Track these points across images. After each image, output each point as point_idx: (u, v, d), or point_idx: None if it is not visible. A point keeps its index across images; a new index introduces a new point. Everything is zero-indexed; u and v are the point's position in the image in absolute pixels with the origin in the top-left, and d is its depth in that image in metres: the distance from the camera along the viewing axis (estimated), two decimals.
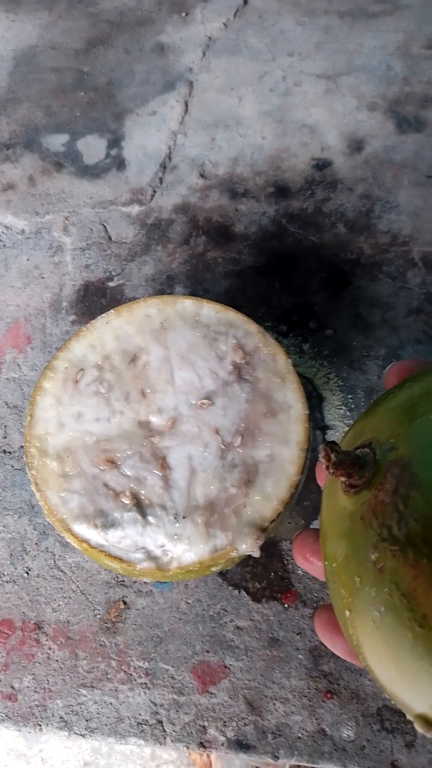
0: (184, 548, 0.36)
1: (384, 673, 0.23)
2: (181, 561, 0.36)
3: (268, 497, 0.37)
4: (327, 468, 0.23)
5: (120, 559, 0.36)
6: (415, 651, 0.21)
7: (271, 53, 0.67)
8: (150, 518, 0.37)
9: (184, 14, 0.70)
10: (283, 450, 0.38)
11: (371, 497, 0.23)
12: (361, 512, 0.24)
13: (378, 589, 0.22)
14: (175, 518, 0.37)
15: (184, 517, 0.37)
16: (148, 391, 0.39)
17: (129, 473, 0.37)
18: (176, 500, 0.37)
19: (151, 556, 0.36)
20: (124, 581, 0.47)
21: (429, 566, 0.20)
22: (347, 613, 0.24)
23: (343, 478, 0.24)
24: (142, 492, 0.37)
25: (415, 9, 0.68)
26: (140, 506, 0.37)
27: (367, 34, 0.67)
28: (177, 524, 0.36)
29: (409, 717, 0.22)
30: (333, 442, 0.24)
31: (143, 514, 0.37)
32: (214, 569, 0.37)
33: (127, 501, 0.37)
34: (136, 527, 0.36)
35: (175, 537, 0.36)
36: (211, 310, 0.41)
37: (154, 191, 0.60)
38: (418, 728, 0.22)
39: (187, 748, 0.43)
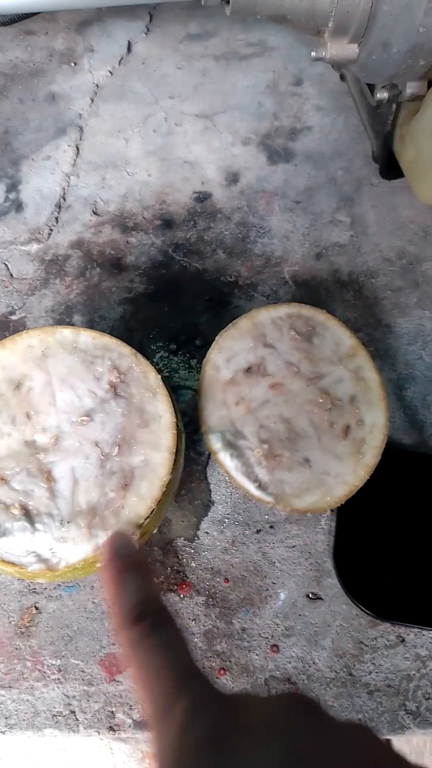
0: (70, 548, 0.41)
1: None
2: (68, 560, 0.41)
3: (143, 497, 0.42)
4: None
5: (13, 564, 0.41)
6: None
7: (154, 96, 0.73)
8: (38, 525, 0.41)
9: (72, 64, 0.76)
10: (155, 455, 0.43)
11: None
12: None
13: None
14: (61, 523, 0.42)
15: (69, 522, 0.42)
16: (33, 413, 0.44)
17: (18, 488, 0.42)
18: (61, 508, 0.42)
19: (41, 559, 0.41)
20: (35, 589, 0.51)
21: None
22: None
23: None
24: (30, 503, 0.42)
25: (281, 50, 0.75)
26: (29, 516, 0.42)
27: (239, 74, 0.74)
28: (63, 528, 0.41)
29: None
30: None
31: (32, 523, 0.41)
32: (98, 565, 0.42)
33: (16, 512, 0.41)
34: (25, 534, 0.41)
35: (62, 540, 0.41)
36: (88, 337, 0.47)
37: (51, 229, 0.65)
38: None
39: (98, 733, 0.47)
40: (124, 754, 1.26)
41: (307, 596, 0.50)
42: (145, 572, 0.31)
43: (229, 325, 0.50)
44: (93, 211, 0.66)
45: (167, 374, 0.58)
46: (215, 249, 0.63)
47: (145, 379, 0.46)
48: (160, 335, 0.60)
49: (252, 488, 0.46)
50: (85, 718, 0.47)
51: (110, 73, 0.75)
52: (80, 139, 0.71)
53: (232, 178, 0.67)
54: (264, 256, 0.63)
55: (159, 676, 0.25)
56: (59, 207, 0.67)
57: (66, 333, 0.46)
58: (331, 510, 0.52)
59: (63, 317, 0.61)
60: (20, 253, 0.64)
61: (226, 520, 0.53)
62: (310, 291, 0.60)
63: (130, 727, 0.47)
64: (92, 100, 0.73)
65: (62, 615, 0.50)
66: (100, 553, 0.31)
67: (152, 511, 0.42)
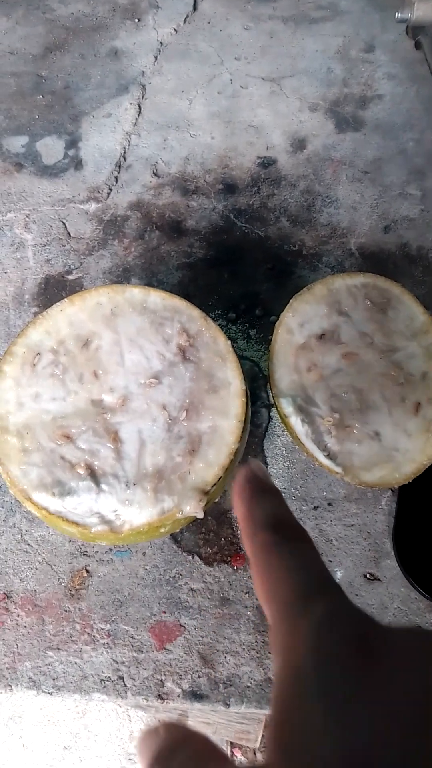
0: (134, 512, 0.40)
1: None
2: (132, 523, 0.40)
3: (210, 464, 0.41)
4: None
5: (76, 524, 0.40)
6: None
7: (220, 57, 0.71)
8: (103, 486, 0.40)
9: (136, 20, 0.74)
10: (223, 422, 0.42)
11: None
12: None
13: None
14: (127, 485, 0.40)
15: (134, 485, 0.40)
16: (100, 372, 0.43)
17: (84, 447, 0.41)
18: (127, 470, 0.41)
19: (105, 520, 0.40)
20: (86, 551, 0.50)
21: None
22: None
23: None
24: (96, 463, 0.41)
25: (353, 14, 0.72)
26: (94, 476, 0.41)
27: (309, 38, 0.71)
28: (128, 491, 0.40)
29: None
30: None
31: (97, 483, 0.40)
32: (162, 530, 0.41)
33: (81, 471, 0.40)
34: (90, 494, 0.40)
35: (127, 502, 0.40)
36: (157, 298, 0.45)
37: (110, 189, 0.64)
38: None
39: (146, 700, 0.46)
40: (142, 722, 1.27)
41: (365, 576, 0.49)
42: (280, 497, 0.30)
43: (304, 289, 0.49)
44: (153, 173, 0.65)
45: None
46: (279, 216, 0.62)
47: (215, 344, 0.44)
48: (218, 303, 0.58)
49: (321, 457, 0.44)
50: (134, 685, 0.47)
51: (175, 30, 0.73)
52: (142, 97, 0.69)
53: (299, 144, 0.65)
54: (330, 226, 0.61)
55: (294, 577, 0.23)
56: (119, 166, 0.65)
57: (135, 292, 0.45)
58: (392, 490, 0.51)
59: (120, 279, 0.60)
60: (78, 211, 0.63)
61: (283, 495, 0.51)
62: (377, 264, 0.58)
63: (179, 696, 0.46)
64: (156, 58, 0.71)
65: (113, 580, 0.50)
66: (236, 477, 0.30)
67: (219, 478, 0.41)
